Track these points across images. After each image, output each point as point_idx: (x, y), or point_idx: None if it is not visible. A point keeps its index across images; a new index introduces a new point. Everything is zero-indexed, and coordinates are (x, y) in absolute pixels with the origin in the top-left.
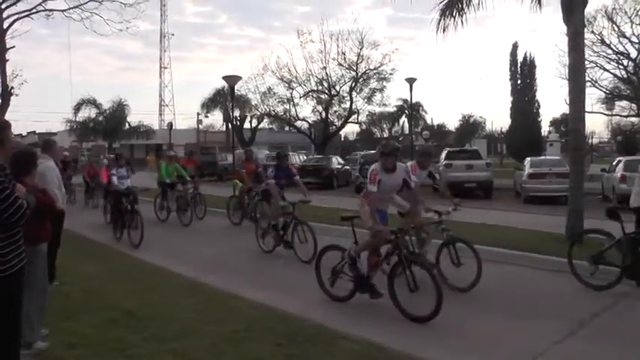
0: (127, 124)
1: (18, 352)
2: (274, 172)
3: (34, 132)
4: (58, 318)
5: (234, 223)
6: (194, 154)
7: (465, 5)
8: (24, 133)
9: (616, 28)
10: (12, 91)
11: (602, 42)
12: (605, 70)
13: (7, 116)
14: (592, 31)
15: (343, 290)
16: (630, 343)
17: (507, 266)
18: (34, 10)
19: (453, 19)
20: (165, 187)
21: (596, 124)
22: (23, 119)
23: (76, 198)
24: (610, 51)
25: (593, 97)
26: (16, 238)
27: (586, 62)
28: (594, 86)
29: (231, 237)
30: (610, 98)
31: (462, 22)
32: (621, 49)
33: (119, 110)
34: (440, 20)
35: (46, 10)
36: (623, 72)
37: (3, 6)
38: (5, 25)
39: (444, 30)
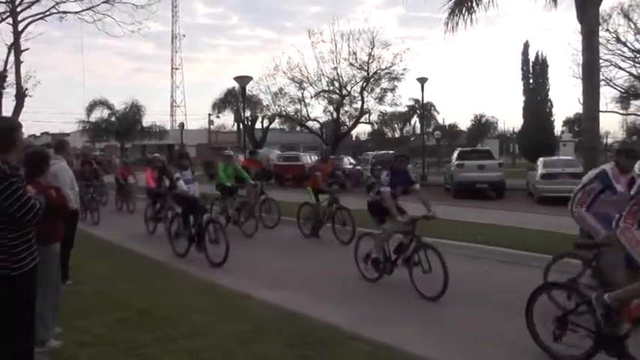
0: (139, 125)
1: (32, 350)
2: (389, 177)
3: (47, 132)
4: (71, 317)
5: (306, 234)
6: (256, 154)
7: (474, 4)
8: (37, 134)
9: (632, 26)
10: (26, 92)
11: (618, 40)
12: (620, 68)
13: (21, 117)
14: (607, 29)
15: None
16: None
17: (520, 268)
18: (48, 13)
19: (462, 18)
20: (225, 192)
21: (611, 124)
22: (37, 120)
23: (107, 201)
24: (625, 49)
25: (607, 96)
26: (28, 237)
27: (600, 61)
28: (609, 85)
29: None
30: (625, 97)
31: (471, 20)
32: (638, 46)
33: (133, 111)
34: (449, 19)
35: (59, 12)
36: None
37: (18, 9)
38: (20, 27)
39: (453, 29)
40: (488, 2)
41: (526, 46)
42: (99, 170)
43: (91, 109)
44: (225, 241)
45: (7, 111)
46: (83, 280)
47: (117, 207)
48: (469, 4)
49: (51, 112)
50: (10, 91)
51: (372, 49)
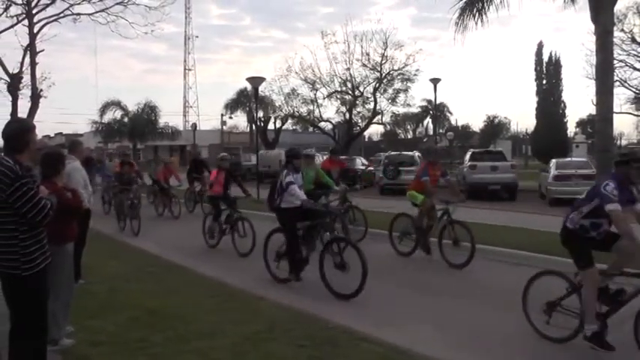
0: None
1: (44, 348)
2: (616, 189)
3: (61, 133)
4: (84, 316)
5: (401, 253)
6: (337, 154)
7: (485, 4)
8: (51, 134)
9: None
10: (41, 93)
11: (633, 40)
12: (635, 69)
13: (36, 118)
14: (622, 29)
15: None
16: None
17: (533, 270)
18: (62, 15)
19: (472, 18)
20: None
21: (625, 125)
22: (51, 121)
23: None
24: None
25: (622, 97)
26: (40, 237)
27: (615, 61)
28: (623, 86)
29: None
30: None
31: (482, 21)
32: None
33: (147, 112)
34: (459, 19)
35: (73, 14)
36: None
37: (34, 11)
38: (35, 29)
39: (463, 29)
40: (500, 2)
41: (540, 46)
42: (140, 172)
43: (103, 109)
44: (362, 265)
45: (23, 112)
46: (94, 280)
47: (157, 212)
48: (480, 4)
49: (64, 112)
50: (25, 92)
51: (384, 49)
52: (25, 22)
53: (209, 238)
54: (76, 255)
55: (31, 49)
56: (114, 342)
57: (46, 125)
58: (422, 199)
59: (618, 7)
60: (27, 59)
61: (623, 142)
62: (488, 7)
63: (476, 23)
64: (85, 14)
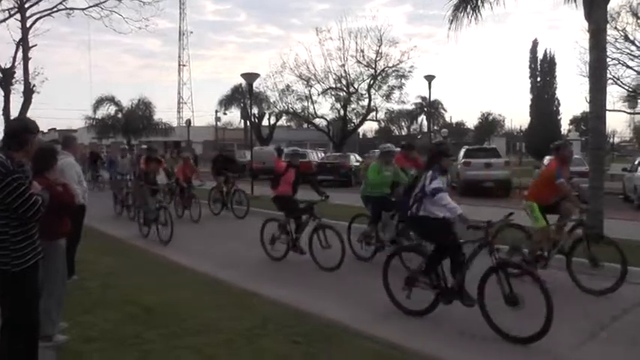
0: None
1: (36, 344)
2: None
3: (55, 129)
4: (77, 312)
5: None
6: (412, 149)
7: (479, 1)
8: (45, 130)
9: None
10: (34, 88)
11: (626, 38)
12: (628, 67)
13: (29, 113)
14: (615, 28)
15: None
16: None
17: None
18: (55, 9)
19: (466, 15)
20: (380, 207)
21: (618, 123)
22: (44, 116)
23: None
24: (634, 47)
25: (615, 94)
26: (31, 233)
27: (608, 59)
28: (616, 84)
29: None
30: (633, 96)
31: (476, 18)
32: None
33: (141, 108)
34: (453, 16)
35: (66, 8)
36: None
37: (26, 5)
38: (28, 23)
39: (457, 26)
40: (494, 0)
41: (535, 44)
42: (168, 170)
43: (97, 105)
44: (546, 304)
45: (15, 107)
46: (88, 276)
47: (177, 214)
48: (474, 2)
49: (57, 108)
50: (17, 88)
51: (379, 46)
52: (18, 16)
53: (271, 249)
54: (70, 251)
55: (23, 44)
56: (107, 338)
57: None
58: (543, 226)
59: (611, 6)
60: (19, 54)
61: (616, 140)
62: (483, 4)
63: (470, 20)
64: (79, 9)
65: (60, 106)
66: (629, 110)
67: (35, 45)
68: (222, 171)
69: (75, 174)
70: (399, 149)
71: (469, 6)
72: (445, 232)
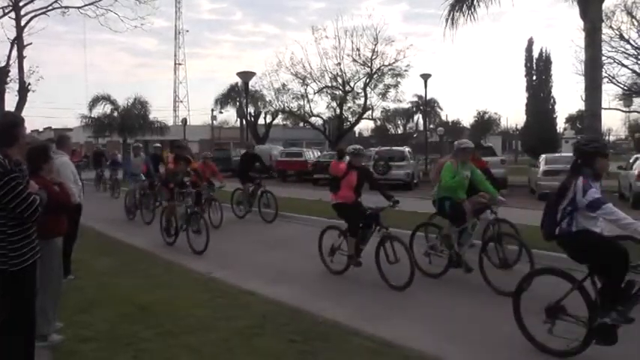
0: (141, 120)
1: (32, 344)
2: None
3: (50, 127)
4: (73, 311)
5: None
6: (480, 149)
7: (475, 1)
8: (40, 129)
9: (635, 23)
10: (29, 87)
11: (621, 37)
12: (623, 65)
13: (24, 112)
14: (610, 26)
15: None
16: None
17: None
18: (50, 7)
19: (462, 14)
20: (458, 212)
21: (614, 121)
22: (39, 115)
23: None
24: (629, 46)
25: (610, 93)
26: (29, 232)
27: (603, 58)
28: (611, 82)
29: None
30: (628, 94)
31: (471, 17)
32: None
33: (137, 107)
34: (449, 15)
35: (61, 7)
36: None
37: (21, 4)
38: (23, 22)
39: (453, 25)
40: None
41: (530, 42)
42: (199, 172)
43: (93, 104)
44: None
45: (10, 106)
46: (83, 276)
47: None
48: (470, 1)
49: (53, 106)
50: (12, 86)
51: (375, 45)
52: (12, 14)
53: (330, 261)
54: (66, 250)
55: (18, 43)
56: (103, 338)
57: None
58: None
59: (606, 5)
60: (14, 52)
61: (612, 138)
62: (479, 4)
63: (466, 19)
64: (74, 7)
65: (55, 105)
66: (624, 108)
67: (30, 43)
68: (248, 172)
69: (70, 173)
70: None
71: (465, 5)
72: (613, 252)
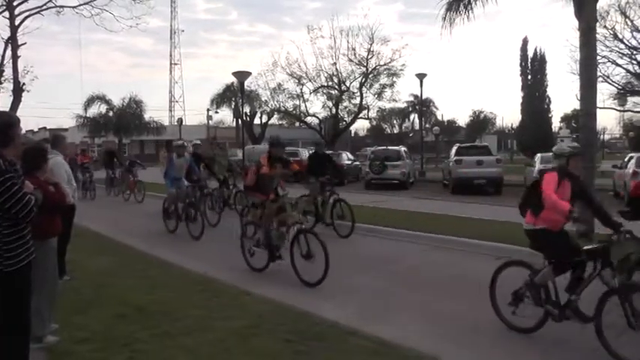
0: (137, 120)
1: (27, 345)
2: None
3: (45, 128)
4: (69, 312)
5: None
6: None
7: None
8: (35, 129)
9: (629, 23)
10: (23, 87)
11: (615, 37)
12: (617, 65)
13: (19, 112)
14: (604, 26)
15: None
16: None
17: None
18: (45, 7)
19: (459, 14)
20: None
21: (608, 120)
22: (34, 115)
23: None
24: (623, 46)
25: (605, 92)
26: (23, 232)
27: (598, 57)
28: (606, 81)
29: None
30: (622, 94)
31: (468, 17)
32: (634, 43)
33: (132, 106)
34: (446, 14)
35: (56, 6)
36: (636, 67)
37: (15, 3)
38: (17, 21)
39: (450, 25)
40: None
41: (525, 42)
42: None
43: (88, 104)
44: None
45: (5, 106)
46: (79, 276)
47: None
48: (467, 0)
49: (48, 106)
50: (7, 86)
51: (371, 44)
52: (6, 13)
53: (512, 314)
54: (60, 251)
55: (12, 42)
56: (99, 339)
57: (30, 120)
58: None
59: (601, 4)
60: (8, 52)
61: (606, 137)
62: (475, 3)
63: (462, 19)
64: (69, 7)
65: (51, 105)
66: (618, 108)
67: (25, 43)
68: (319, 175)
69: (64, 173)
70: None
71: (462, 4)
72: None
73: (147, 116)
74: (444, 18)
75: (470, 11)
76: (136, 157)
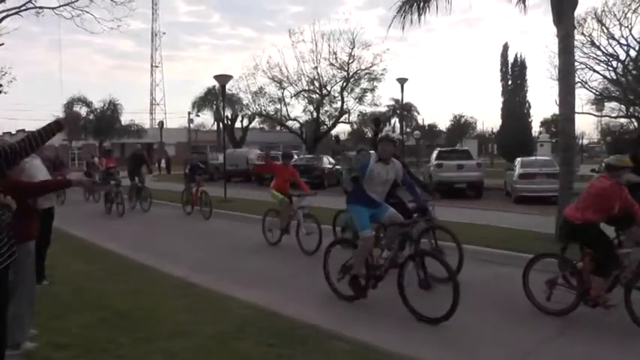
0: (118, 123)
1: (3, 352)
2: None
3: (24, 130)
4: (48, 318)
5: None
6: None
7: (423, 3)
8: (13, 131)
9: (605, 30)
10: (1, 88)
11: (592, 44)
12: (594, 71)
13: None
14: (582, 33)
15: None
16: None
17: (497, 266)
18: (24, 7)
19: (411, 15)
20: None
21: (586, 125)
22: (12, 117)
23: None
24: (600, 52)
25: (583, 98)
26: (1, 236)
27: (576, 64)
28: (584, 87)
29: None
30: (600, 99)
31: (419, 20)
32: (610, 51)
33: (111, 109)
34: (396, 15)
35: (35, 7)
36: (613, 74)
37: None
38: None
39: (402, 27)
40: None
41: (505, 48)
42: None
43: (68, 106)
44: None
45: None
46: (58, 280)
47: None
48: (419, 3)
49: (26, 108)
50: None
51: (352, 49)
52: None
53: None
54: (39, 256)
55: None
56: (79, 344)
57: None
58: None
59: (578, 12)
60: None
61: (585, 142)
62: (428, 7)
63: (419, 18)
64: (48, 8)
65: (29, 107)
66: (596, 113)
67: (2, 44)
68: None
69: (41, 176)
70: None
71: (415, 4)
72: None
73: (128, 119)
74: (394, 18)
75: (422, 14)
76: (197, 158)
